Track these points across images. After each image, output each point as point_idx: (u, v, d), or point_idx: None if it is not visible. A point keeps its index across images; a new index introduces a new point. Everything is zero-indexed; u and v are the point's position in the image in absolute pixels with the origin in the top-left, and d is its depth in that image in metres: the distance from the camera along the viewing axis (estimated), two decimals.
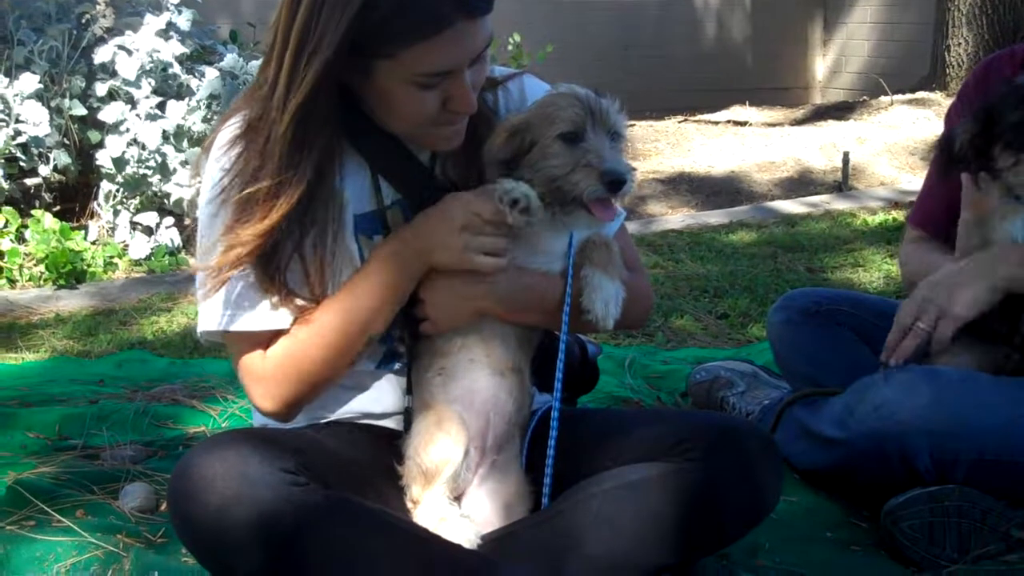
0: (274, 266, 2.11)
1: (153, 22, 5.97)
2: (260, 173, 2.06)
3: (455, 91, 2.07)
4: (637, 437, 2.21)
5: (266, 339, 2.19)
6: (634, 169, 2.16)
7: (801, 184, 7.39)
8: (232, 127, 2.15)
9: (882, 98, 9.39)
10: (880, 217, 6.28)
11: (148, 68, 5.83)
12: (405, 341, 2.28)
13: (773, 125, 8.84)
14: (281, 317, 2.17)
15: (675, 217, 6.51)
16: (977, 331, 2.62)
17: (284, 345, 2.19)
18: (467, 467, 2.22)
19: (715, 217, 6.41)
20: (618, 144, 2.17)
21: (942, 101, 8.91)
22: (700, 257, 5.44)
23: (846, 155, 7.26)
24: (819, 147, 7.92)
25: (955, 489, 2.48)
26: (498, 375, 2.24)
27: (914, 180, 7.41)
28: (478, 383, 2.23)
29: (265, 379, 2.21)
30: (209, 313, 2.18)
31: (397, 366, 2.32)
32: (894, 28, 11.63)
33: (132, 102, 5.78)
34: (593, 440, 2.28)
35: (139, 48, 5.85)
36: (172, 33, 6.04)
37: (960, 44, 9.20)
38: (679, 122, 9.03)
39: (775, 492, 2.19)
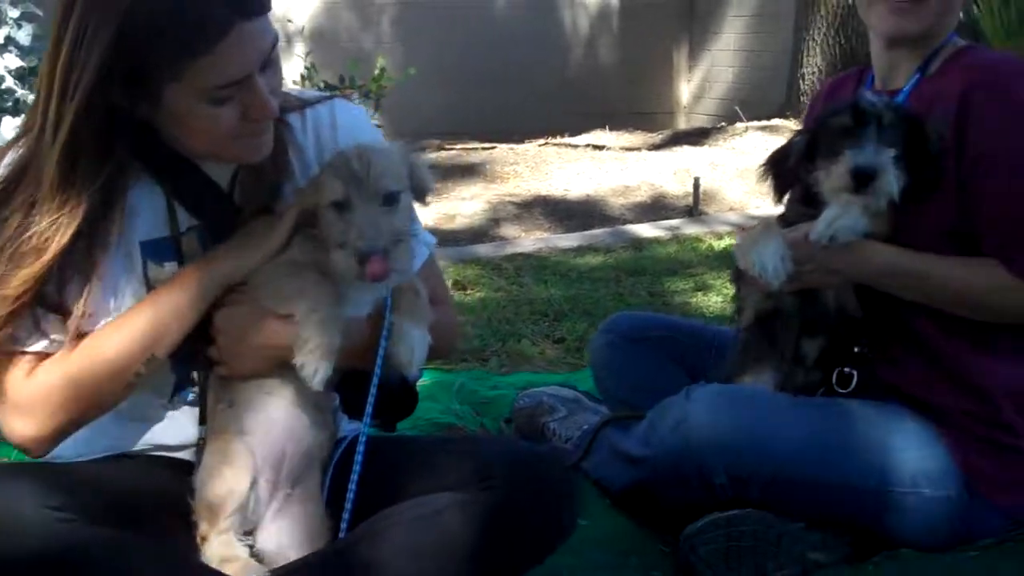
0: (46, 292, 2.05)
1: None
2: (29, 221, 2.00)
3: (252, 99, 2.01)
4: (440, 467, 2.21)
5: (30, 361, 2.10)
6: (401, 239, 2.14)
7: (655, 208, 7.51)
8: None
9: (737, 124, 9.60)
10: (726, 241, 6.40)
11: None
12: (198, 371, 2.24)
13: (631, 149, 8.96)
14: (50, 339, 2.10)
15: (527, 240, 6.55)
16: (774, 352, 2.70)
17: (53, 368, 2.10)
18: (258, 500, 2.18)
19: (567, 240, 6.46)
20: (393, 208, 2.13)
21: (794, 127, 9.12)
22: (544, 281, 5.46)
23: (696, 180, 7.40)
24: (673, 172, 8.06)
25: (752, 513, 2.53)
26: (296, 408, 2.21)
27: (763, 205, 7.57)
28: (273, 415, 2.19)
29: (27, 405, 2.10)
30: None
31: (191, 396, 2.27)
32: (756, 55, 11.90)
33: None
34: (399, 470, 2.26)
35: None
36: (11, 48, 5.88)
37: (813, 72, 9.45)
38: (540, 145, 9.10)
39: (570, 518, 2.23)
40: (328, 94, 2.43)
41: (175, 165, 2.16)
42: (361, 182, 2.09)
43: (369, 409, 2.19)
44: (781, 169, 2.67)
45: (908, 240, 2.54)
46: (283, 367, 2.15)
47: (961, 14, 2.74)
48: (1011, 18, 6.96)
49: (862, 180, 2.44)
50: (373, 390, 2.18)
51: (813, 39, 9.42)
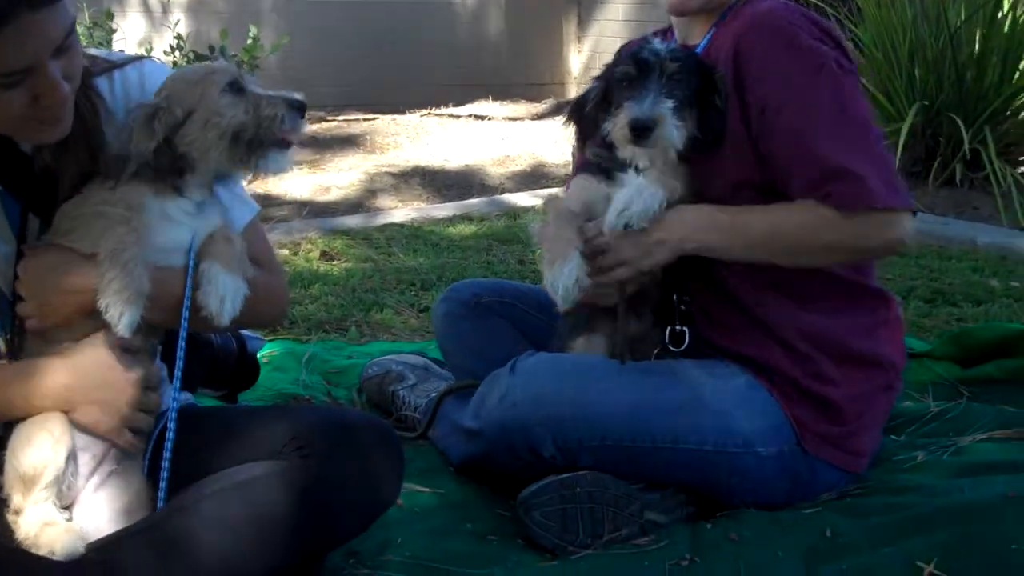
0: None
1: None
2: None
3: (42, 86, 1.93)
4: (256, 436, 2.19)
5: None
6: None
7: (534, 178, 7.49)
8: None
9: None
10: None
11: None
12: (11, 338, 2.16)
13: (514, 119, 8.94)
14: None
15: (402, 211, 6.46)
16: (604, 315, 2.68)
17: None
18: (76, 474, 2.11)
19: (442, 210, 6.39)
20: None
21: None
22: (414, 250, 5.40)
23: (574, 149, 7.38)
24: (554, 141, 8.04)
25: (587, 475, 2.52)
26: None
27: None
28: None
29: None
30: None
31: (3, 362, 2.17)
32: (643, 26, 11.90)
33: None
34: (217, 440, 2.23)
35: None
36: None
37: None
38: (422, 116, 9.03)
39: (393, 485, 2.23)
40: (137, 55, 2.35)
41: None
42: (239, 68, 2.20)
43: (179, 364, 2.15)
44: (580, 116, 2.64)
45: (712, 199, 2.52)
46: (98, 326, 2.08)
47: None
48: None
49: (640, 132, 2.41)
50: (181, 343, 2.14)
51: None
